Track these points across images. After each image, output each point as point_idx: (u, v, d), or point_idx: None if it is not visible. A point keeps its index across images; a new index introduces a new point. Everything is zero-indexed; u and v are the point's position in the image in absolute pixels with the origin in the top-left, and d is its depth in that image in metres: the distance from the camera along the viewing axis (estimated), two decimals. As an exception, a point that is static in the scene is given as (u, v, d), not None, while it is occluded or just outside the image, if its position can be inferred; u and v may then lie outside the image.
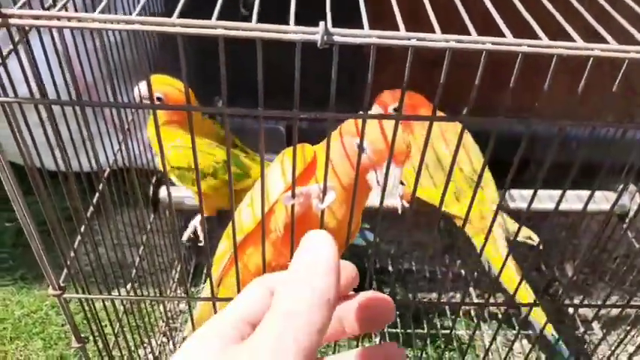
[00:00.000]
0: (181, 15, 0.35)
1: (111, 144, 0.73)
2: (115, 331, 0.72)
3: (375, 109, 0.88)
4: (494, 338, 0.70)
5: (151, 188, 0.90)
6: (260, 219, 0.48)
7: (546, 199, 0.88)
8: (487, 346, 0.73)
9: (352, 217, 0.46)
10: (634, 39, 0.40)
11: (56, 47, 0.46)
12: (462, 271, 1.24)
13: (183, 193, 0.89)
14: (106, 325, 0.71)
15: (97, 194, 0.62)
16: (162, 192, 0.91)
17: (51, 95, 0.44)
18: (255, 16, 0.36)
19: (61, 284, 0.54)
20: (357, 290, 0.28)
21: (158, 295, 0.82)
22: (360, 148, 0.43)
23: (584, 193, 0.87)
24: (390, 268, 1.22)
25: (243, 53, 0.46)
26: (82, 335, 0.64)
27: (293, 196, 0.44)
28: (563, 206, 0.91)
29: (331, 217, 0.55)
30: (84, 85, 0.59)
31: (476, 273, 1.17)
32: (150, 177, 0.91)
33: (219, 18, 0.35)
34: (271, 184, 0.55)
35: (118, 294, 0.70)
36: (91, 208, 0.61)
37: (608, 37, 0.40)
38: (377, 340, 1.10)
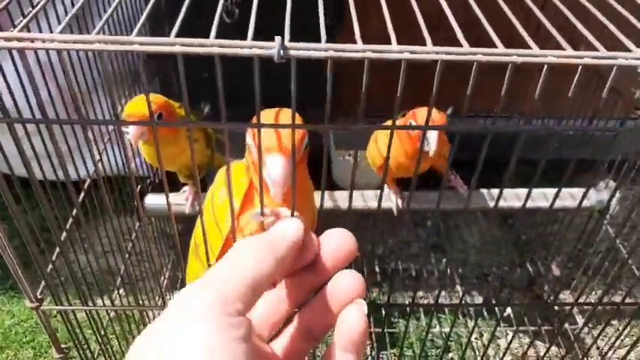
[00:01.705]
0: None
1: (91, 154, 0.73)
2: (100, 341, 0.73)
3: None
4: (470, 335, 0.71)
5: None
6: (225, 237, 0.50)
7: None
8: (465, 343, 0.74)
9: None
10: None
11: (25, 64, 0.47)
12: (449, 269, 1.25)
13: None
14: (91, 334, 0.72)
15: (75, 206, 0.62)
16: (147, 199, 0.92)
17: (25, 112, 0.45)
18: (213, 32, 0.36)
19: (39, 296, 0.55)
20: None
21: (140, 304, 0.82)
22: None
23: (567, 191, 0.88)
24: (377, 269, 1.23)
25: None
26: (67, 345, 0.64)
27: (262, 214, 0.44)
28: (543, 204, 0.93)
29: None
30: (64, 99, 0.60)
31: (460, 270, 1.18)
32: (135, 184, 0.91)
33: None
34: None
35: (102, 303, 0.71)
36: (71, 219, 0.62)
37: (565, 44, 0.41)
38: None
